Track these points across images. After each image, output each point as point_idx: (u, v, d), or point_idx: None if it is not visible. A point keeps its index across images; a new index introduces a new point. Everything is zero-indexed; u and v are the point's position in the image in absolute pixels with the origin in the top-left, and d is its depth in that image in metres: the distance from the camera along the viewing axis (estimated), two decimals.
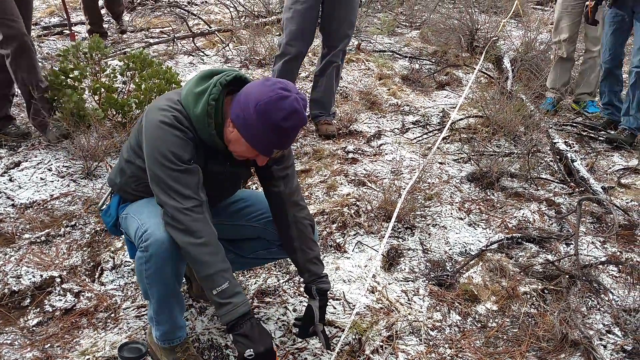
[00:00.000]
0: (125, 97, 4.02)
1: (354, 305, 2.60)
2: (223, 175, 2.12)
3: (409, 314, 2.60)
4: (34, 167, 3.51)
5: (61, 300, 2.54)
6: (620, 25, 4.44)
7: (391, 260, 2.97)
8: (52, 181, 3.40)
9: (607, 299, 2.74)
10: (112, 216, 2.22)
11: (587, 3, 4.50)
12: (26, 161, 3.58)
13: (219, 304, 1.91)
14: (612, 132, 4.64)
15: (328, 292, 2.24)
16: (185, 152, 1.91)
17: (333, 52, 4.22)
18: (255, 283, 2.73)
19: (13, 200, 3.21)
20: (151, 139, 1.92)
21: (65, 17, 4.85)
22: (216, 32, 6.44)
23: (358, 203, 3.35)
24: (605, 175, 4.09)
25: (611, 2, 4.31)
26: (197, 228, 1.90)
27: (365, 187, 3.61)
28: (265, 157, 1.97)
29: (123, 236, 2.27)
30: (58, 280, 2.63)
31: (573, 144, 4.49)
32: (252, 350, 1.87)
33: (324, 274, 2.22)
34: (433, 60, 6.43)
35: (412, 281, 2.84)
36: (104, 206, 2.28)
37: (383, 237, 3.02)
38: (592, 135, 4.69)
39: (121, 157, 2.18)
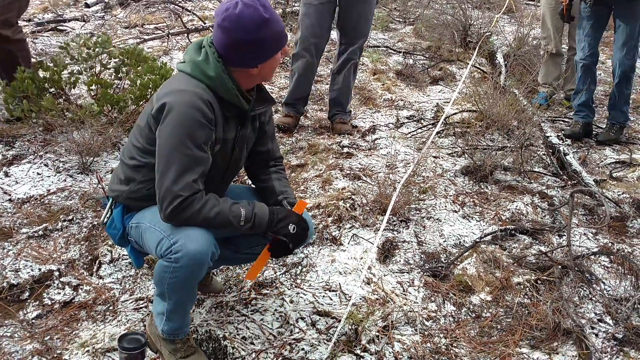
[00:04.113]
0: (121, 92, 4.04)
1: (350, 297, 2.63)
2: (234, 141, 2.15)
3: (404, 304, 2.63)
4: (30, 163, 3.53)
5: (60, 293, 2.56)
6: (598, 19, 4.37)
7: (386, 253, 3.00)
8: (49, 176, 3.42)
9: (598, 288, 2.78)
10: (118, 228, 2.18)
11: (562, 1, 4.52)
12: (22, 156, 3.59)
13: (251, 226, 2.02)
14: (601, 130, 4.65)
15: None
16: (201, 135, 1.95)
17: (350, 49, 4.27)
18: None
19: (10, 195, 3.22)
20: (173, 122, 1.93)
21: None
22: (211, 28, 6.45)
23: (353, 197, 3.39)
24: (597, 169, 4.14)
25: (592, 2, 4.30)
26: (198, 205, 1.94)
27: (361, 181, 3.64)
28: (284, 47, 2.08)
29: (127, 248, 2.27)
30: (56, 273, 2.65)
31: (565, 137, 4.54)
32: (291, 224, 2.08)
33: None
34: (427, 56, 6.47)
35: (407, 273, 2.87)
36: (106, 219, 2.23)
37: (378, 230, 3.05)
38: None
39: (125, 166, 2.15)
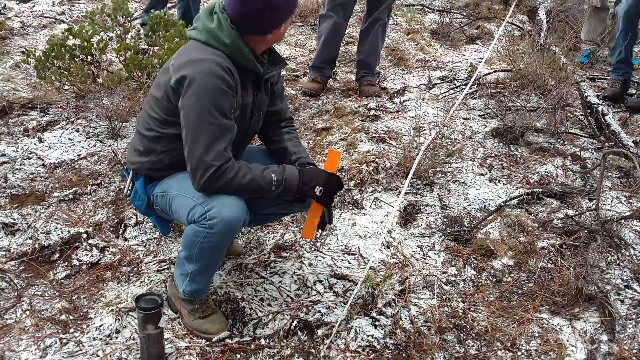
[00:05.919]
0: (150, 57, 4.07)
1: (368, 260, 2.63)
2: (252, 105, 2.16)
3: (423, 268, 2.62)
4: (63, 128, 3.63)
5: (87, 254, 2.65)
6: None
7: (408, 216, 2.98)
8: (79, 141, 3.51)
9: (627, 254, 2.69)
10: (142, 199, 2.22)
11: None
12: (56, 122, 3.69)
13: (283, 189, 2.04)
14: (632, 97, 4.38)
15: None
16: (226, 103, 1.97)
17: (379, 8, 4.17)
18: (272, 238, 2.79)
19: (43, 160, 3.33)
20: (196, 93, 1.93)
21: None
22: None
23: (377, 160, 3.35)
24: (639, 129, 3.95)
25: None
26: (231, 174, 1.96)
27: (386, 144, 3.59)
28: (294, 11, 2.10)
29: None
30: (84, 236, 2.74)
31: (605, 99, 4.33)
32: (317, 186, 2.06)
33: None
34: (464, 14, 6.25)
35: (428, 237, 2.84)
36: (129, 192, 2.27)
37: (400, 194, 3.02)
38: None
39: (143, 137, 2.16)
